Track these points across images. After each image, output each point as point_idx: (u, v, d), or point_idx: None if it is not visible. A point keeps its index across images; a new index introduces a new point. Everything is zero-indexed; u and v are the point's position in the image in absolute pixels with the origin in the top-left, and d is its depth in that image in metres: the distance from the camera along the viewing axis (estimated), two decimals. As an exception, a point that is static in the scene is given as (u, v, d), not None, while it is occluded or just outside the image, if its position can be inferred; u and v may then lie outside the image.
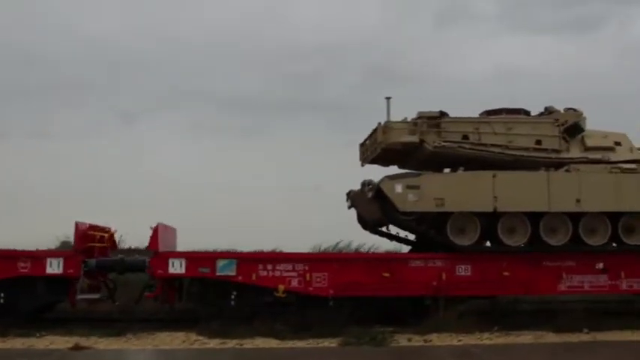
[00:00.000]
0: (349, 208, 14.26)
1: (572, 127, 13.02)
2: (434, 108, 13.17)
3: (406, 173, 12.61)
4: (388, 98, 13.19)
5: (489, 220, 12.61)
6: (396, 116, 13.17)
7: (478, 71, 42.69)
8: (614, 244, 13.06)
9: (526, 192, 12.42)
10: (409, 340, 11.26)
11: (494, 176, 12.41)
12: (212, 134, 40.16)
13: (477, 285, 12.65)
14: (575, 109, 13.95)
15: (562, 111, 13.87)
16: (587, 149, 13.07)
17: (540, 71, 42.38)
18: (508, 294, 13.18)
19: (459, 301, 12.63)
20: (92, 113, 38.53)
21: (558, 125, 13.08)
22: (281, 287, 12.20)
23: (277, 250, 16.49)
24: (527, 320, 12.57)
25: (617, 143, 13.27)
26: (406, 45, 44.05)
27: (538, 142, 12.89)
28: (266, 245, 17.89)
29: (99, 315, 13.47)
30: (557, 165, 12.88)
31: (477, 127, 12.84)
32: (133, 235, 17.65)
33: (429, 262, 12.66)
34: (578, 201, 12.49)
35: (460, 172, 12.63)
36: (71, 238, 13.06)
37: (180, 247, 14.20)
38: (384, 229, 13.90)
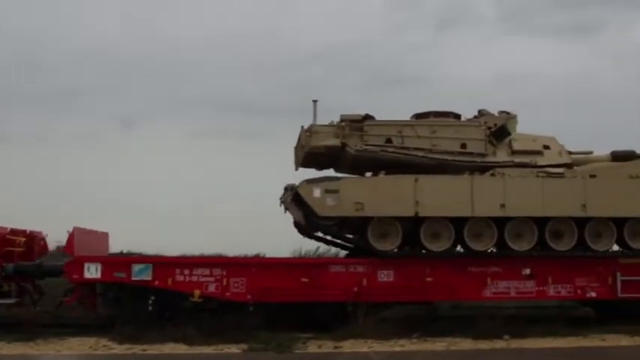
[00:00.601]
0: (285, 212, 14.15)
1: (499, 131, 12.88)
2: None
3: (325, 177, 12.49)
4: (315, 101, 13.12)
5: (412, 225, 12.45)
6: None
7: (478, 74, 42.83)
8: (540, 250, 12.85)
9: (449, 196, 12.28)
10: (319, 346, 11.13)
11: (415, 180, 12.28)
12: (211, 139, 40.24)
13: (400, 291, 12.51)
14: (508, 112, 13.84)
15: (496, 114, 13.76)
16: (515, 153, 12.93)
17: (540, 74, 42.53)
18: (431, 300, 12.99)
19: (382, 307, 12.47)
20: (91, 119, 38.65)
21: (485, 129, 12.88)
22: (197, 292, 12.10)
23: (262, 255, 16.52)
24: (453, 326, 12.38)
25: (546, 147, 13.13)
26: (406, 48, 44.22)
27: (463, 145, 12.75)
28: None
29: (25, 320, 13.40)
30: (483, 169, 12.74)
31: (401, 130, 12.71)
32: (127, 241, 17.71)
33: (350, 267, 12.56)
34: (502, 206, 12.33)
35: (381, 176, 12.50)
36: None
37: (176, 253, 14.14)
38: (320, 233, 13.69)
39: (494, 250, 12.90)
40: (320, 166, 13.89)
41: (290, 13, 43.59)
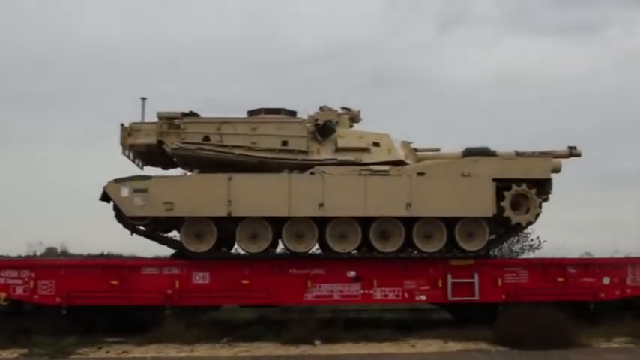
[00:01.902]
0: None
1: (323, 128, 12.50)
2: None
3: (135, 176, 12.19)
4: (143, 99, 12.83)
5: (229, 226, 12.14)
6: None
7: (479, 73, 42.65)
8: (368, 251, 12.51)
9: (265, 196, 11.98)
10: (107, 352, 10.88)
11: (229, 179, 11.95)
12: None
13: (215, 293, 12.22)
14: (349, 109, 13.48)
15: (339, 110, 13.39)
16: (339, 150, 12.52)
17: (541, 73, 42.31)
18: (248, 303, 12.68)
19: (195, 311, 12.22)
20: (90, 120, 38.71)
21: (310, 126, 12.51)
22: (2, 295, 11.88)
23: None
24: (270, 330, 12.07)
25: (376, 144, 12.70)
26: (407, 49, 44.09)
27: (284, 143, 12.38)
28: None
29: None
30: (305, 167, 12.39)
31: (219, 128, 12.37)
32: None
33: (163, 269, 12.31)
34: (321, 205, 11.96)
35: (192, 174, 12.21)
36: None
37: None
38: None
39: (319, 252, 12.53)
40: (162, 165, 13.59)
41: (290, 14, 43.59)
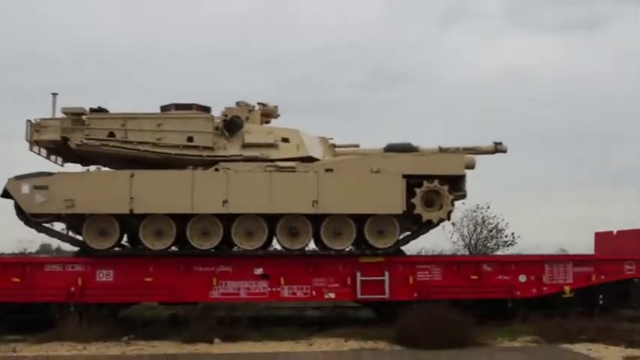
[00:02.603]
0: None
1: (229, 123, 12.35)
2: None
3: (37, 173, 12.10)
4: (54, 94, 12.73)
5: (133, 223, 12.04)
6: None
7: (481, 70, 42.58)
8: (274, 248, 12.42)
9: (167, 192, 11.89)
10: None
11: (131, 176, 11.84)
12: None
13: (119, 291, 12.14)
14: (265, 104, 13.36)
15: (255, 105, 13.27)
16: (246, 146, 12.36)
17: (543, 70, 42.22)
18: (153, 301, 12.60)
19: (100, 308, 12.09)
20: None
21: (218, 121, 12.38)
22: None
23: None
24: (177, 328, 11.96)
25: (285, 140, 12.54)
26: (409, 45, 44.08)
27: (190, 139, 12.25)
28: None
29: None
30: (211, 163, 12.27)
31: (124, 123, 12.25)
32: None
33: (67, 266, 12.25)
34: (225, 202, 11.82)
35: (94, 171, 12.12)
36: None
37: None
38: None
39: (225, 249, 12.41)
40: (78, 162, 13.49)
41: (289, 10, 43.59)
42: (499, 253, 23.95)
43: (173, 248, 12.45)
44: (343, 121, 41.70)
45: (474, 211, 29.02)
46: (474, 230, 28.26)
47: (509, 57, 44.33)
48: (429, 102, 42.16)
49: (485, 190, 36.84)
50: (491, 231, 27.81)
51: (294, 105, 43.02)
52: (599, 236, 15.67)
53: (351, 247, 12.50)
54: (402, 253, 12.94)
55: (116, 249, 12.38)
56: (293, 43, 42.68)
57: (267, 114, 13.41)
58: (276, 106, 13.53)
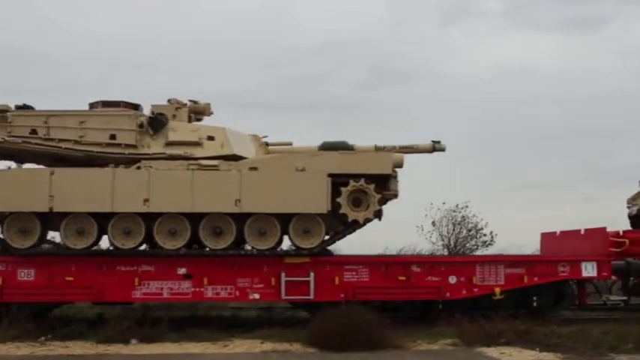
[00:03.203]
0: None
1: (153, 121, 12.22)
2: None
3: (-44, 171, 11.99)
4: (-19, 90, 12.59)
5: (56, 221, 11.93)
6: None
7: (482, 69, 42.39)
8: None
9: (87, 191, 11.78)
10: None
11: (52, 173, 11.73)
12: None
13: (41, 291, 12.03)
14: (196, 102, 13.23)
15: (187, 102, 13.14)
16: (169, 144, 12.23)
17: (544, 69, 42.02)
18: (75, 300, 12.51)
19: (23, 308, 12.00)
20: None
21: (138, 119, 12.24)
22: None
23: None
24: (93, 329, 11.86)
25: (211, 138, 12.40)
26: (410, 43, 43.90)
27: (113, 136, 12.13)
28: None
29: None
30: (134, 161, 12.15)
31: (47, 121, 12.14)
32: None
33: (-12, 265, 12.08)
34: (146, 201, 11.69)
35: (13, 168, 12.04)
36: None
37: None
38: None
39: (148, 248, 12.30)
40: (5, 159, 13.38)
41: (291, 7, 43.48)
42: (478, 252, 23.94)
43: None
44: (343, 120, 41.56)
45: (454, 211, 29.12)
46: (453, 230, 28.30)
47: (510, 55, 44.06)
48: (430, 100, 41.84)
49: (487, 191, 37.02)
50: (470, 230, 27.92)
51: (293, 103, 42.82)
52: (544, 237, 15.46)
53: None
54: (329, 253, 12.78)
55: (45, 246, 12.29)
56: (292, 40, 42.54)
57: (199, 111, 13.28)
58: (208, 104, 13.41)
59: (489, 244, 25.96)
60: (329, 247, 13.90)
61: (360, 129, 41.49)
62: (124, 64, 40.92)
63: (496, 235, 25.00)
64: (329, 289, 12.36)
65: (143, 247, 12.49)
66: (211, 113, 13.52)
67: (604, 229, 13.31)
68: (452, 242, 27.78)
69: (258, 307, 15.30)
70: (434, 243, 27.18)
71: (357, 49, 43.38)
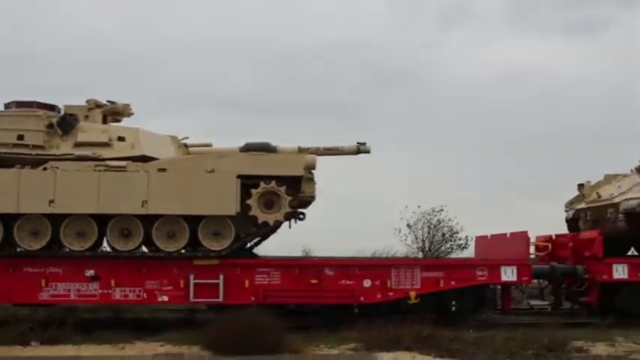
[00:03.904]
0: None
1: (61, 121, 12.13)
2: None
3: None
4: None
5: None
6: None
7: (482, 72, 42.28)
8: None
9: (-7, 192, 11.58)
10: None
11: (-45, 175, 11.63)
12: (213, 137, 40.25)
13: (-54, 292, 11.91)
14: (113, 102, 13.12)
15: (105, 103, 13.04)
16: (78, 145, 12.12)
17: (544, 72, 41.85)
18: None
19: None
20: None
21: (47, 120, 12.14)
22: None
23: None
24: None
25: (121, 139, 12.28)
26: (409, 46, 43.82)
27: (20, 137, 12.03)
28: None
29: None
30: (42, 162, 12.03)
31: (-46, 122, 12.06)
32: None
33: None
34: (52, 202, 11.58)
35: None
36: None
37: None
38: None
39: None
40: None
41: (290, 9, 43.39)
42: (453, 256, 23.77)
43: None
44: (343, 121, 41.49)
45: (429, 214, 29.02)
46: (429, 233, 28.15)
47: (512, 58, 43.87)
48: (430, 102, 41.67)
49: (488, 193, 36.72)
50: (444, 235, 27.78)
51: (294, 104, 42.60)
52: (477, 240, 15.26)
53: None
54: (241, 255, 12.61)
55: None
56: (292, 42, 42.38)
57: (117, 112, 13.19)
58: (127, 105, 13.32)
59: (464, 247, 25.92)
60: (254, 250, 13.91)
61: (357, 132, 41.54)
62: (122, 65, 40.84)
63: (471, 239, 25.03)
64: (239, 292, 12.21)
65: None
66: (131, 114, 13.43)
67: (525, 232, 13.11)
68: (427, 245, 27.90)
69: (187, 310, 15.16)
70: (409, 246, 27.17)
71: (355, 52, 43.23)
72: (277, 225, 12.30)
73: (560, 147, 37.94)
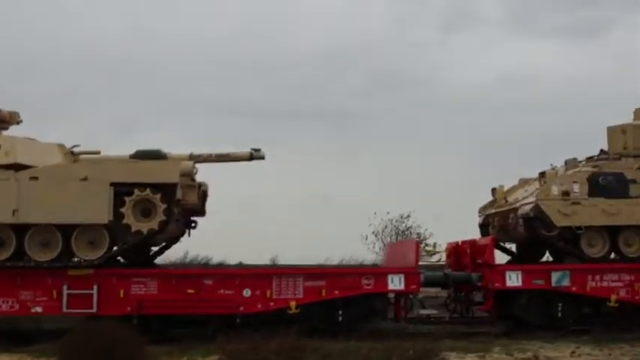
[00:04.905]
0: None
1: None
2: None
3: None
4: None
5: None
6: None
7: (482, 76, 42.19)
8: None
9: None
10: None
11: None
12: (211, 143, 40.28)
13: None
14: (-1, 110, 12.94)
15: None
16: (-45, 152, 11.99)
17: (544, 75, 41.74)
18: None
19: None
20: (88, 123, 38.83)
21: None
22: None
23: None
24: None
25: (-7, 146, 12.10)
26: (410, 50, 43.79)
27: None
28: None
29: None
30: None
31: None
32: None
33: None
34: None
35: None
36: None
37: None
38: None
39: None
40: None
41: (290, 14, 43.47)
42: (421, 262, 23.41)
43: None
44: (344, 128, 41.50)
45: (397, 221, 28.81)
46: (396, 239, 27.86)
47: (512, 62, 43.70)
48: (430, 107, 41.55)
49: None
50: None
51: (293, 111, 42.54)
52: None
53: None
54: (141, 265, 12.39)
55: None
56: (291, 47, 42.40)
57: (2, 120, 12.99)
58: (15, 112, 13.15)
59: (433, 253, 25.61)
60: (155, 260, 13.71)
61: (360, 136, 41.43)
62: (121, 72, 40.90)
63: (440, 245, 24.76)
64: (114, 303, 12.00)
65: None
66: (20, 122, 13.27)
67: (414, 240, 12.81)
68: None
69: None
70: (377, 253, 26.94)
71: (356, 56, 43.16)
72: (151, 234, 12.04)
73: (563, 149, 37.60)
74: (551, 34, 45.50)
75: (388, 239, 28.30)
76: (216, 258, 20.37)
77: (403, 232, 29.60)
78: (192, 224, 13.88)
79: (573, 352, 10.95)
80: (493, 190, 15.36)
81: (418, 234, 28.45)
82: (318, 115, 42.79)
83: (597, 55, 44.47)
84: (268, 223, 31.05)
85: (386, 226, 28.86)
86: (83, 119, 38.76)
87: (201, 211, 13.97)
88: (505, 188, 15.27)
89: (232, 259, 19.48)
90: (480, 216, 15.66)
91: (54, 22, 41.46)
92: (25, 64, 38.18)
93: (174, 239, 14.26)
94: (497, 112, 42.87)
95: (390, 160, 39.70)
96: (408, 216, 28.41)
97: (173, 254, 18.08)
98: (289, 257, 19.99)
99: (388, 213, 28.18)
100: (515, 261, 15.14)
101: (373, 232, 28.72)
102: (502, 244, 15.50)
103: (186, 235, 14.16)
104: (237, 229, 29.83)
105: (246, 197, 31.61)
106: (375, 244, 28.28)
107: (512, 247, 15.52)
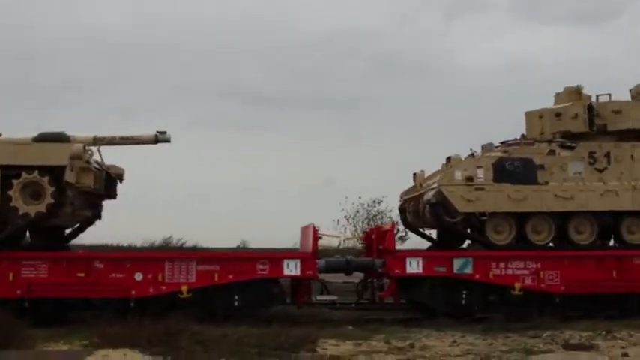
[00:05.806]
0: None
1: None
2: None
3: None
4: None
5: None
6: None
7: (489, 62, 41.85)
8: None
9: None
10: None
11: None
12: (211, 129, 40.15)
13: None
14: None
15: None
16: None
17: (551, 61, 41.46)
18: None
19: None
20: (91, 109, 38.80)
21: None
22: None
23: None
24: None
25: None
26: (416, 36, 43.50)
27: None
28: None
29: None
30: None
31: None
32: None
33: None
34: None
35: None
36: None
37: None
38: None
39: None
40: None
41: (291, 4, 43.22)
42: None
43: None
44: (349, 114, 41.28)
45: (369, 206, 28.61)
46: (368, 224, 27.71)
47: (518, 48, 43.26)
48: (435, 95, 41.26)
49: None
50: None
51: (296, 96, 42.37)
52: (302, 230, 14.76)
53: None
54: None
55: None
56: (295, 34, 42.20)
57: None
58: None
59: (406, 238, 25.40)
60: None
61: (363, 122, 41.19)
62: (123, 58, 40.80)
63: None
64: (4, 286, 11.97)
65: None
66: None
67: (312, 225, 12.64)
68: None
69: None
70: (349, 238, 26.79)
71: (361, 42, 42.79)
72: (40, 217, 11.92)
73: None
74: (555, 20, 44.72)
75: (360, 224, 28.22)
76: (202, 243, 19.78)
77: (374, 216, 29.45)
78: (99, 208, 13.79)
79: (454, 342, 10.80)
80: (414, 175, 15.10)
81: (391, 218, 28.28)
82: (322, 100, 42.44)
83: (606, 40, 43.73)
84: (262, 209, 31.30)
85: (357, 211, 28.74)
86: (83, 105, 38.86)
87: (108, 195, 13.88)
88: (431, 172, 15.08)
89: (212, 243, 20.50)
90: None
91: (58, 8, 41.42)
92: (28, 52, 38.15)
93: (87, 222, 14.17)
94: (500, 98, 42.43)
95: (391, 147, 39.47)
96: (381, 201, 28.22)
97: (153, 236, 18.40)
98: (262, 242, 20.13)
99: (360, 197, 28.05)
100: (436, 247, 14.96)
101: (345, 217, 28.59)
102: (422, 230, 15.35)
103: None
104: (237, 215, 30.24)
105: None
106: (346, 228, 28.12)
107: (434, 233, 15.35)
